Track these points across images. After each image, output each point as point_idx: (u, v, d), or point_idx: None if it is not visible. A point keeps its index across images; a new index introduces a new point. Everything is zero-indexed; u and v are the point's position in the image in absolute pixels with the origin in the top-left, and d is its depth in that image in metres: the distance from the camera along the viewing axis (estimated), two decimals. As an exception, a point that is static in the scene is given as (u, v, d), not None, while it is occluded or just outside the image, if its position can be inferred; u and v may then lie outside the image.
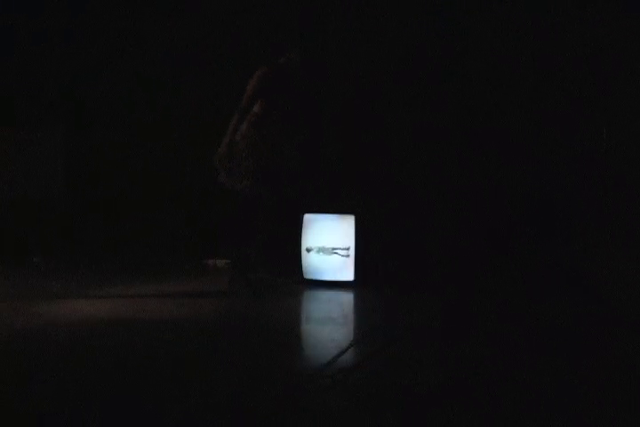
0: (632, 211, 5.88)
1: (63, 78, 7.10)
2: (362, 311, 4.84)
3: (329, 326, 4.29)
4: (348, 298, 5.04)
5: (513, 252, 6.07)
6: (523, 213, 6.35)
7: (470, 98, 6.52)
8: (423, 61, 6.57)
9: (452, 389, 2.99)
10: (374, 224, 5.40)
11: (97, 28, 7.04)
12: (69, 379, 3.10)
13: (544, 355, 3.53)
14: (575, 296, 4.98)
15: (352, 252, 5.25)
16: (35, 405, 2.78)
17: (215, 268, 6.12)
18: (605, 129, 6.15)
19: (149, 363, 3.35)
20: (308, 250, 5.33)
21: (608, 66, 6.20)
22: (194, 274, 5.82)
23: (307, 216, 5.40)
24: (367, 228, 5.30)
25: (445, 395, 2.91)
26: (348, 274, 5.26)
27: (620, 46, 6.16)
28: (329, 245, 5.28)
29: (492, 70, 6.47)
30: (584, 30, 6.26)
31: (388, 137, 6.53)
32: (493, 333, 4.00)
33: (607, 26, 6.19)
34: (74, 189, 7.03)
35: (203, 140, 6.99)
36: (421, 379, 3.13)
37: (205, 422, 2.62)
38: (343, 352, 3.51)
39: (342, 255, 5.26)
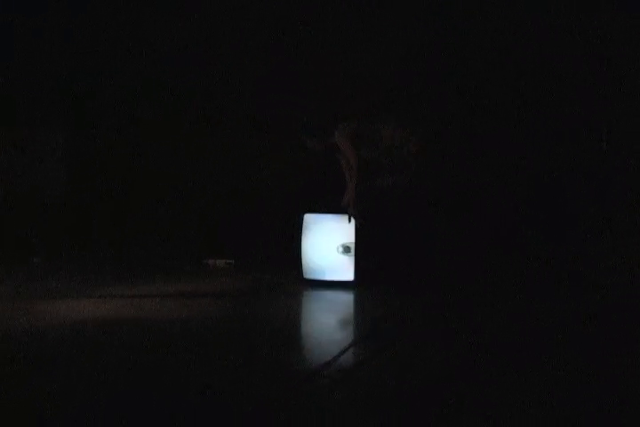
0: (633, 209, 5.89)
1: (64, 78, 7.10)
2: (362, 311, 4.83)
3: (329, 325, 4.29)
4: (348, 298, 5.04)
5: (514, 251, 6.07)
6: (524, 212, 6.35)
7: (471, 97, 6.52)
8: (425, 60, 6.57)
9: (452, 389, 2.99)
10: (374, 224, 5.39)
11: (98, 28, 7.05)
12: (70, 379, 3.11)
13: (544, 354, 3.54)
14: (577, 294, 4.98)
15: (352, 252, 5.25)
16: (36, 404, 2.78)
17: (215, 268, 6.12)
18: (605, 128, 6.16)
19: (150, 363, 3.35)
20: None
21: (608, 65, 6.21)
22: (194, 274, 5.82)
23: (307, 216, 5.40)
24: (367, 228, 5.29)
25: (445, 395, 2.91)
26: (348, 274, 5.26)
27: (620, 46, 6.17)
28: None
29: (494, 69, 6.47)
30: (585, 29, 6.26)
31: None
32: (494, 332, 4.00)
33: (608, 25, 6.19)
34: (75, 189, 7.04)
35: (204, 140, 7.01)
36: (421, 379, 3.13)
37: (206, 421, 2.63)
38: (343, 352, 3.51)
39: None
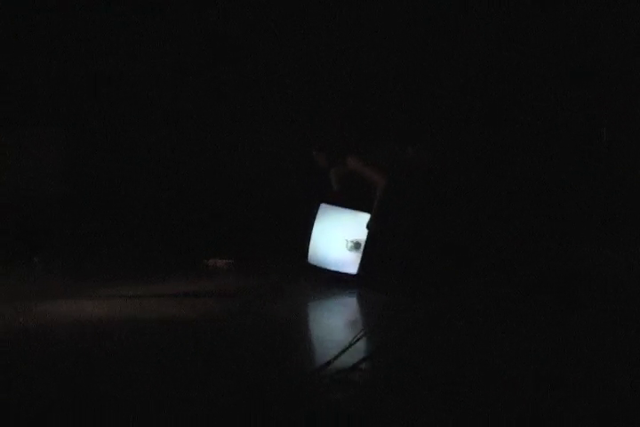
0: (632, 210, 5.88)
1: (64, 78, 7.09)
2: (362, 312, 4.83)
3: (329, 326, 4.29)
4: (348, 299, 5.04)
5: (518, 254, 6.04)
6: (524, 213, 6.34)
7: (471, 96, 6.51)
8: (423, 61, 6.58)
9: (451, 389, 2.99)
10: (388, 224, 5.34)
11: (98, 28, 7.04)
12: (70, 378, 3.11)
13: (543, 360, 3.54)
14: (576, 296, 4.97)
15: (361, 248, 5.22)
16: (35, 404, 2.78)
17: (215, 268, 6.12)
18: (605, 129, 6.16)
19: (149, 363, 3.35)
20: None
21: (609, 64, 6.21)
22: (194, 274, 5.81)
23: (323, 206, 5.37)
24: (380, 227, 5.23)
25: (444, 395, 2.91)
26: (352, 268, 5.24)
27: (620, 44, 6.17)
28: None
29: (494, 69, 6.47)
30: (585, 28, 6.27)
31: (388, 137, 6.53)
32: (494, 334, 4.00)
33: (607, 24, 6.20)
34: (74, 189, 7.04)
35: (204, 140, 7.01)
36: (420, 379, 3.13)
37: (205, 421, 2.63)
38: (343, 352, 3.51)
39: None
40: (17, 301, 4.66)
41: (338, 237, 5.31)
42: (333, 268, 5.31)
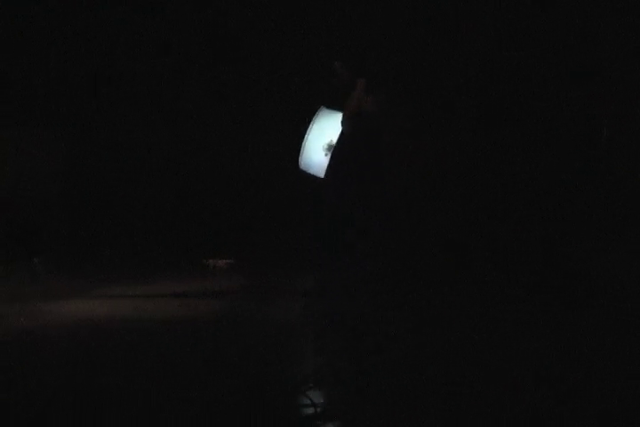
0: (632, 209, 5.88)
1: (64, 78, 7.09)
2: (359, 314, 4.82)
3: (328, 326, 4.29)
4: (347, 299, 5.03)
5: (514, 252, 6.04)
6: (525, 212, 6.34)
7: (471, 96, 6.51)
8: (423, 60, 6.58)
9: (450, 390, 2.99)
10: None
11: (98, 28, 7.04)
12: (70, 378, 3.11)
13: (542, 355, 3.54)
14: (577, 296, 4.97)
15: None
16: (36, 404, 2.78)
17: (215, 268, 6.12)
18: (605, 128, 6.16)
19: (148, 363, 3.35)
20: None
21: (609, 64, 6.21)
22: (194, 274, 5.81)
23: (322, 109, 5.26)
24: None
25: (443, 396, 2.91)
26: (321, 172, 5.15)
27: (620, 44, 6.17)
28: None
29: (494, 69, 6.47)
30: (585, 28, 6.26)
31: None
32: (494, 334, 4.00)
33: (607, 24, 6.19)
34: (74, 189, 7.04)
35: (204, 140, 7.01)
36: (419, 380, 3.13)
37: (203, 422, 2.63)
38: (339, 354, 3.51)
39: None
40: (17, 301, 4.66)
41: (323, 140, 5.20)
42: (310, 171, 5.19)
